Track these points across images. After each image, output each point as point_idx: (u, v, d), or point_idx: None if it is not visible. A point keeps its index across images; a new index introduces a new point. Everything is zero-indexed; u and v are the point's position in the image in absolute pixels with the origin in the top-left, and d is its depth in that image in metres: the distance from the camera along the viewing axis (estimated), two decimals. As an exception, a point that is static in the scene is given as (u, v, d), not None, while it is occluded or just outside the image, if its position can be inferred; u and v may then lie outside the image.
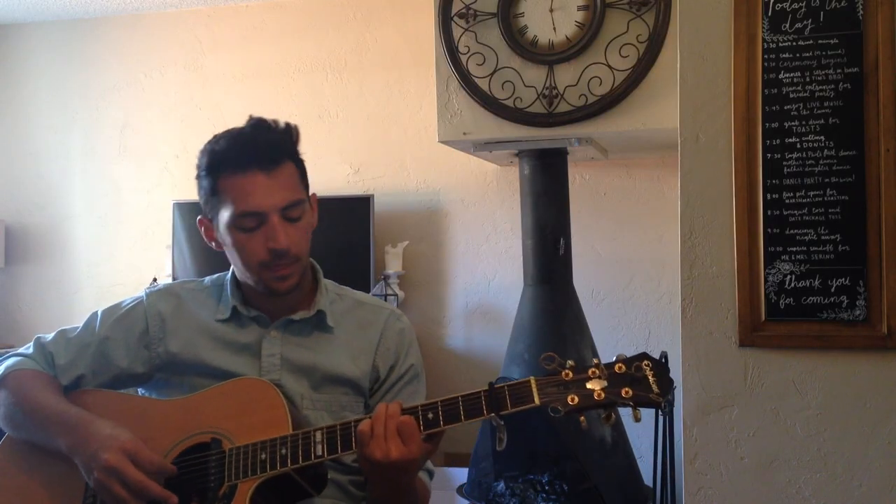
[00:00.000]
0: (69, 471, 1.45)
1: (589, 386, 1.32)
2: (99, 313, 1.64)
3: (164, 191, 4.02)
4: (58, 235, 4.15)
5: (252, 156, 1.50)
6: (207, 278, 1.69)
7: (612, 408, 1.33)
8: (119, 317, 1.62)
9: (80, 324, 1.64)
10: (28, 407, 1.50)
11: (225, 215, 1.52)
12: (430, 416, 1.36)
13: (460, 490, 2.95)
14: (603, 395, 1.31)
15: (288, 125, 1.57)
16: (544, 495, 2.67)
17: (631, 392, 1.31)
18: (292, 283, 1.56)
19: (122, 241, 4.08)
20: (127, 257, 4.06)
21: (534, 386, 1.34)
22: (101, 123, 4.12)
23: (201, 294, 1.65)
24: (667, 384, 1.32)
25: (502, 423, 1.34)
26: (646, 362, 1.34)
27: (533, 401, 1.33)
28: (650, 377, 1.32)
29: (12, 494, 1.50)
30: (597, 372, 1.33)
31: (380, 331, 1.64)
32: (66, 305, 4.02)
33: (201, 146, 1.57)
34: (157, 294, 1.64)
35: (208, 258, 3.67)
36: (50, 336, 1.62)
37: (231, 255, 1.57)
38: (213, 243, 1.61)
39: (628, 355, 1.36)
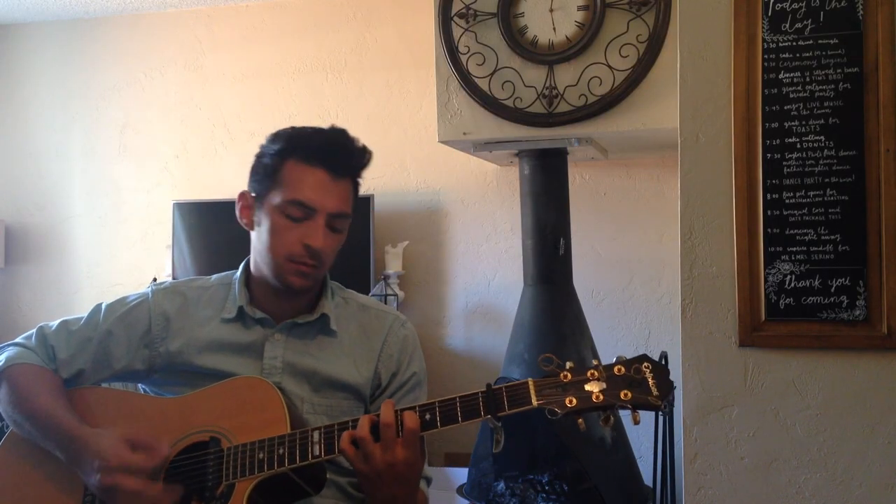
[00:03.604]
0: (69, 467, 1.46)
1: (587, 388, 1.32)
2: (103, 307, 1.63)
3: (164, 191, 4.02)
4: (58, 235, 4.15)
5: (326, 155, 1.55)
6: (214, 276, 1.69)
7: (610, 410, 1.32)
8: (122, 314, 1.61)
9: (83, 314, 1.63)
10: (27, 410, 1.50)
11: (276, 198, 1.54)
12: (428, 416, 1.36)
13: (460, 490, 2.95)
14: (602, 397, 1.31)
15: (365, 148, 1.61)
16: (544, 495, 2.67)
17: (630, 394, 1.30)
18: (308, 285, 1.57)
19: (122, 241, 4.08)
20: (127, 257, 4.06)
21: (532, 387, 1.33)
22: (101, 123, 4.12)
23: (207, 293, 1.65)
24: (666, 387, 1.32)
25: (500, 424, 1.34)
26: (645, 364, 1.33)
27: (530, 402, 1.33)
28: (650, 379, 1.32)
29: (14, 489, 1.51)
30: (596, 374, 1.33)
31: (383, 337, 1.64)
32: (66, 305, 4.03)
33: (266, 137, 1.60)
34: (163, 292, 1.64)
35: (208, 258, 3.68)
36: (53, 325, 1.62)
37: (261, 236, 1.57)
38: (245, 220, 1.61)
39: (628, 357, 1.36)
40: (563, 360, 1.35)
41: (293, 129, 1.60)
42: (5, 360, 1.56)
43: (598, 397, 1.31)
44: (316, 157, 1.54)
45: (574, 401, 1.31)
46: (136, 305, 1.62)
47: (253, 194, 1.60)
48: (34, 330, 1.62)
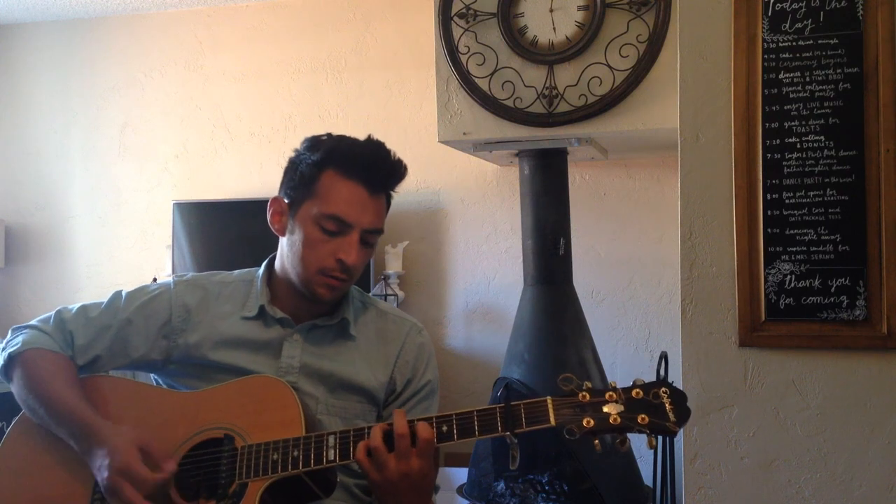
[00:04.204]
0: (80, 455, 1.46)
1: (605, 409, 1.32)
2: (123, 294, 1.62)
3: (164, 191, 4.02)
4: (58, 235, 4.15)
5: (365, 170, 1.53)
6: (236, 272, 1.68)
7: (626, 433, 1.32)
8: (143, 302, 1.61)
9: (102, 300, 1.62)
10: (42, 396, 1.49)
11: (312, 208, 1.52)
12: (445, 428, 1.36)
13: (460, 490, 2.95)
14: (619, 419, 1.31)
15: (401, 162, 1.58)
16: (544, 495, 2.67)
17: (647, 419, 1.30)
18: (336, 296, 1.57)
19: (122, 241, 4.08)
20: (127, 257, 4.07)
21: (550, 406, 1.33)
22: (101, 123, 4.12)
23: (228, 288, 1.64)
24: (684, 413, 1.31)
25: (516, 441, 1.33)
26: (664, 389, 1.33)
27: (549, 421, 1.32)
28: (667, 405, 1.31)
29: (25, 473, 1.50)
30: (614, 396, 1.33)
31: (400, 344, 1.64)
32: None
33: (303, 140, 1.57)
34: (185, 285, 1.63)
35: (208, 258, 3.68)
36: (72, 309, 1.61)
37: (293, 245, 1.56)
38: (277, 226, 1.59)
39: (646, 380, 1.35)
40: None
41: (331, 137, 1.58)
42: (22, 342, 1.55)
43: (615, 420, 1.31)
44: (355, 170, 1.52)
45: (591, 422, 1.31)
46: (158, 295, 1.62)
47: (286, 201, 1.58)
48: (52, 313, 1.61)
